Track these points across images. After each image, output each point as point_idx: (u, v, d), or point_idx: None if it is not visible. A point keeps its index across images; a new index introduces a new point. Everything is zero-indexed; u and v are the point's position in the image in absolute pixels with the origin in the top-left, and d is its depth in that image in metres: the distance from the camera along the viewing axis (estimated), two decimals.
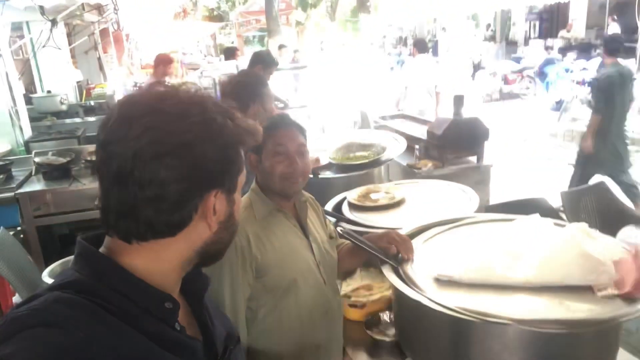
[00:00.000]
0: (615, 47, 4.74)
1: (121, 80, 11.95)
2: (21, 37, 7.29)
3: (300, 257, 1.51)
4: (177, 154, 0.72)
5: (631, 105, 5.02)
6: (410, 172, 3.71)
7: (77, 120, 7.03)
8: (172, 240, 0.77)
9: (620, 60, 4.83)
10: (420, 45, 6.36)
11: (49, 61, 7.81)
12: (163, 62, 5.94)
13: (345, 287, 1.93)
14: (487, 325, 1.17)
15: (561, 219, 2.93)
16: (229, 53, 7.18)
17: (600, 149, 4.66)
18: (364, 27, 19.90)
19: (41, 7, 5.93)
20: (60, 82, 7.88)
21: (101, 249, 0.78)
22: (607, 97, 4.56)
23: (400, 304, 1.49)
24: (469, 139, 3.76)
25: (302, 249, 1.53)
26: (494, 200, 3.88)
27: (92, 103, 7.78)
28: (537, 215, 1.65)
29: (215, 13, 24.75)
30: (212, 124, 0.76)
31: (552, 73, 11.18)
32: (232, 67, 6.24)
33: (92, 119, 7.05)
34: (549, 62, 11.56)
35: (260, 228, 1.48)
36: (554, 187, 4.91)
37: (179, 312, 0.79)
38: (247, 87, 2.19)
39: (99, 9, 8.31)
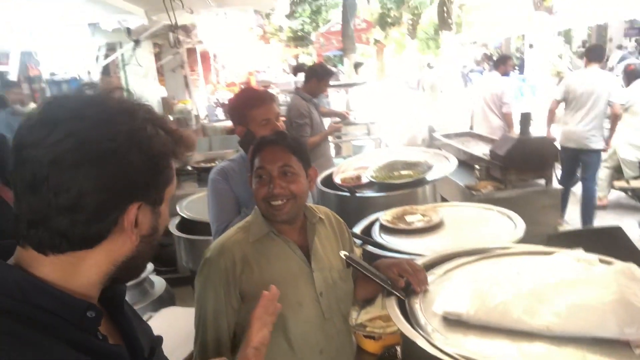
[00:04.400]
0: None
1: (205, 97, 12.62)
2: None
3: (294, 288, 1.36)
4: (98, 162, 0.67)
5: None
6: (468, 195, 3.46)
7: None
8: (90, 252, 0.72)
9: None
10: (500, 61, 5.99)
11: (136, 78, 8.39)
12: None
13: (364, 315, 1.78)
14: None
15: (638, 253, 2.56)
16: (297, 70, 7.30)
17: None
18: (445, 45, 19.43)
19: (127, 29, 6.38)
20: (146, 97, 8.41)
21: (9, 261, 0.73)
22: None
23: (404, 342, 1.32)
24: (536, 159, 3.45)
25: (299, 278, 1.38)
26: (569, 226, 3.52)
27: (172, 118, 8.20)
28: (580, 250, 1.42)
29: (299, 34, 25.49)
30: (140, 133, 0.72)
31: None
32: (291, 83, 6.31)
33: None
34: None
35: (251, 251, 1.37)
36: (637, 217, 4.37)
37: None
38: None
39: (186, 30, 8.81)
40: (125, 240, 0.74)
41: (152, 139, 0.73)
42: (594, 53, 4.72)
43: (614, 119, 4.69)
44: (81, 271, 0.73)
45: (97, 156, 0.67)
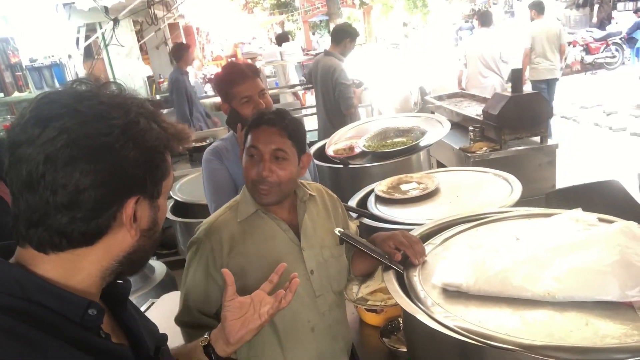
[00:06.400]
0: None
1: (192, 72, 12.39)
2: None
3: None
4: (94, 158, 0.67)
5: None
6: (463, 157, 3.42)
7: None
8: (90, 249, 0.72)
9: None
10: (484, 18, 5.89)
11: (119, 58, 8.21)
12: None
13: (364, 289, 1.77)
14: (489, 351, 0.97)
15: (636, 205, 2.54)
16: (281, 39, 7.14)
17: None
18: (433, 2, 19.07)
19: (105, 8, 6.19)
20: (131, 77, 8.27)
21: (11, 260, 0.72)
22: None
23: (405, 316, 1.31)
24: (529, 117, 3.39)
25: (288, 257, 1.35)
26: (562, 184, 3.50)
27: (159, 97, 8.06)
28: (579, 210, 1.40)
29: (282, 0, 24.89)
30: (134, 127, 0.71)
31: None
32: (276, 53, 6.18)
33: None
34: (639, 26, 10.37)
35: (239, 231, 1.35)
36: (637, 167, 4.36)
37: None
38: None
39: (165, 4, 8.57)
40: (125, 235, 0.74)
41: (146, 132, 0.73)
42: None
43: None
44: (82, 268, 0.72)
45: (91, 152, 0.67)
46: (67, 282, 0.71)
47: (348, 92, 3.92)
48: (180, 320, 1.39)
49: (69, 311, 0.69)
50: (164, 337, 0.94)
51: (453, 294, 1.18)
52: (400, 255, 1.34)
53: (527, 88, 5.29)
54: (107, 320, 0.79)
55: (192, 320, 1.36)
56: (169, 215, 3.11)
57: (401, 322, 1.63)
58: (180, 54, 5.93)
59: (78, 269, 0.72)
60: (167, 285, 2.69)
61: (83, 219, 0.68)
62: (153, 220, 0.78)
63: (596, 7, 13.96)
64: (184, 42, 12.59)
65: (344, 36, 4.10)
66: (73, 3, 5.80)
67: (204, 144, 4.61)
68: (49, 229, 0.68)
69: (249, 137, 1.35)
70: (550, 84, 6.24)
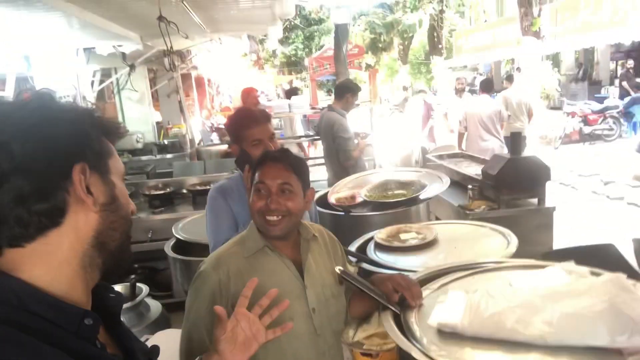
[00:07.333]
0: None
1: (200, 121, 12.68)
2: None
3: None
4: (22, 139, 0.70)
5: None
6: (461, 214, 3.48)
7: (152, 157, 7.42)
8: (60, 234, 0.73)
9: None
10: (485, 85, 6.17)
11: (130, 103, 8.46)
12: (250, 93, 6.18)
13: (361, 333, 1.78)
14: None
15: (630, 269, 2.58)
16: (291, 93, 7.40)
17: None
18: (437, 69, 19.76)
19: (123, 54, 6.46)
20: (140, 121, 8.49)
21: None
22: None
23: (401, 356, 1.33)
24: (527, 179, 3.48)
25: (291, 294, 1.37)
26: (558, 246, 3.53)
27: (166, 142, 8.24)
28: (571, 263, 1.45)
29: (292, 59, 25.83)
30: (55, 105, 0.76)
31: None
32: (285, 105, 6.41)
33: (164, 156, 7.45)
34: (636, 101, 10.72)
35: (245, 265, 1.38)
36: (633, 234, 4.40)
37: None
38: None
39: (180, 55, 8.92)
40: (87, 212, 0.75)
41: (69, 107, 0.78)
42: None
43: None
44: (60, 258, 0.73)
45: (17, 133, 0.70)
46: (53, 279, 0.72)
47: (346, 145, 4.06)
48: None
49: (64, 321, 0.70)
50: (156, 349, 0.94)
51: (448, 335, 1.21)
52: (398, 296, 1.37)
53: None
54: (102, 333, 0.79)
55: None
56: (169, 253, 3.13)
57: None
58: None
59: (57, 260, 0.73)
60: (161, 324, 2.68)
61: (34, 199, 0.70)
62: (110, 195, 0.78)
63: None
64: (195, 91, 12.99)
65: (345, 91, 4.30)
66: (93, 48, 6.06)
67: (207, 187, 4.69)
68: (6, 221, 0.70)
69: (257, 174, 1.42)
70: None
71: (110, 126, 0.82)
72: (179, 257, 3.03)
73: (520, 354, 1.09)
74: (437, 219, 3.68)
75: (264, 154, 1.46)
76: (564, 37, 11.38)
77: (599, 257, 2.54)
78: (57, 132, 0.73)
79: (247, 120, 2.02)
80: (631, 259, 2.79)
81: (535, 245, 3.30)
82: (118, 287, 2.83)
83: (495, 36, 15.31)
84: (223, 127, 11.12)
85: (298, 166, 1.44)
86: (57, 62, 5.88)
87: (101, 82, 7.47)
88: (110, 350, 0.78)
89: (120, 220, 0.80)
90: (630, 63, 14.09)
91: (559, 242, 3.79)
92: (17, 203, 0.70)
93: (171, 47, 4.78)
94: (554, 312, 1.14)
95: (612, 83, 15.15)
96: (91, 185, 0.75)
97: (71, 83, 5.99)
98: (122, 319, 0.87)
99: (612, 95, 13.03)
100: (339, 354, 1.52)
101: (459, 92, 7.66)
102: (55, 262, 0.73)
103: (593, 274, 1.37)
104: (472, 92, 7.84)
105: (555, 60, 16.91)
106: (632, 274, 2.52)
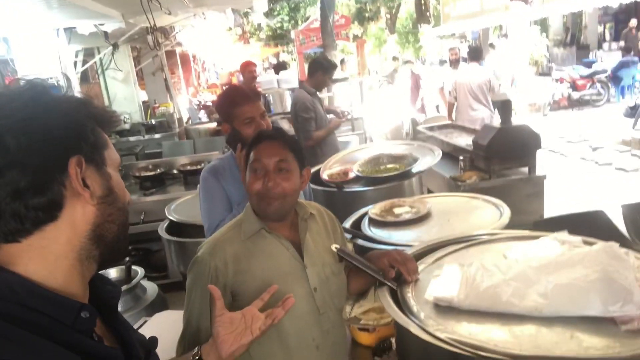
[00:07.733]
0: None
1: (187, 99, 12.52)
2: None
3: (287, 284, 1.34)
4: (16, 132, 0.68)
5: None
6: (453, 186, 3.50)
7: (140, 138, 7.32)
8: (57, 229, 0.72)
9: None
10: (474, 53, 6.11)
11: (115, 83, 8.32)
12: (248, 66, 6.05)
13: (357, 309, 1.80)
14: None
15: (621, 236, 2.62)
16: (279, 68, 7.32)
17: None
18: (425, 38, 19.58)
19: (105, 33, 6.30)
20: (126, 101, 8.37)
21: None
22: None
23: (398, 331, 1.35)
24: (518, 148, 3.49)
25: (292, 275, 1.38)
26: (549, 215, 3.57)
27: (154, 122, 8.12)
28: (565, 232, 1.46)
29: (278, 32, 25.39)
30: (49, 96, 0.74)
31: (628, 77, 10.35)
32: (274, 80, 6.33)
33: (152, 136, 7.36)
34: (624, 64, 10.73)
35: (243, 249, 1.37)
36: (622, 199, 4.46)
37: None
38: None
39: (164, 32, 8.73)
40: (84, 205, 0.74)
41: (62, 98, 0.76)
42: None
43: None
44: (56, 252, 0.73)
45: (12, 126, 0.68)
46: (50, 273, 0.71)
47: (305, 125, 3.87)
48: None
49: (61, 314, 0.70)
50: (154, 339, 0.94)
51: (445, 309, 1.22)
52: (394, 272, 1.38)
53: None
54: (99, 326, 0.79)
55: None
56: (164, 235, 3.13)
57: (393, 341, 1.66)
58: None
59: (54, 254, 0.72)
60: (158, 305, 2.69)
61: (30, 193, 0.69)
62: (107, 187, 0.78)
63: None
64: (180, 68, 12.77)
65: (317, 68, 4.06)
66: (74, 28, 5.91)
67: (198, 167, 4.67)
68: (3, 215, 0.69)
69: (252, 154, 1.40)
70: None
71: (104, 116, 0.80)
72: (174, 239, 3.03)
73: (516, 325, 1.11)
74: (429, 191, 3.70)
75: (258, 134, 1.44)
76: (552, 1, 11.26)
77: (589, 225, 2.57)
78: (52, 125, 0.71)
79: (238, 98, 1.99)
80: (620, 225, 2.83)
81: (527, 214, 3.34)
82: (113, 271, 2.83)
83: (483, 2, 15.11)
84: (211, 104, 11.01)
85: (294, 143, 1.43)
86: (38, 44, 5.72)
87: (84, 62, 7.32)
88: (107, 343, 0.78)
89: (117, 212, 0.79)
90: (634, 22, 13.53)
91: (550, 210, 3.83)
92: (13, 198, 0.68)
93: (154, 24, 4.66)
94: (548, 283, 1.16)
95: (600, 47, 15.10)
96: (87, 178, 0.74)
97: (54, 65, 5.86)
98: (119, 308, 0.87)
99: (599, 59, 13.00)
100: (342, 332, 1.53)
101: (454, 63, 7.26)
102: (52, 256, 0.73)
103: (586, 243, 1.39)
104: (463, 60, 7.69)
105: (543, 25, 16.79)
106: (622, 240, 2.57)
